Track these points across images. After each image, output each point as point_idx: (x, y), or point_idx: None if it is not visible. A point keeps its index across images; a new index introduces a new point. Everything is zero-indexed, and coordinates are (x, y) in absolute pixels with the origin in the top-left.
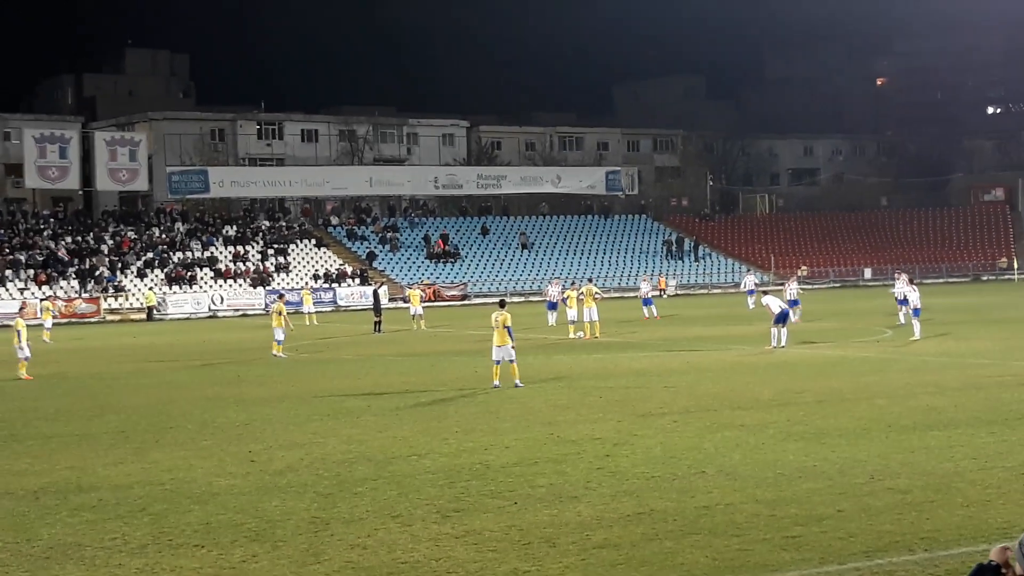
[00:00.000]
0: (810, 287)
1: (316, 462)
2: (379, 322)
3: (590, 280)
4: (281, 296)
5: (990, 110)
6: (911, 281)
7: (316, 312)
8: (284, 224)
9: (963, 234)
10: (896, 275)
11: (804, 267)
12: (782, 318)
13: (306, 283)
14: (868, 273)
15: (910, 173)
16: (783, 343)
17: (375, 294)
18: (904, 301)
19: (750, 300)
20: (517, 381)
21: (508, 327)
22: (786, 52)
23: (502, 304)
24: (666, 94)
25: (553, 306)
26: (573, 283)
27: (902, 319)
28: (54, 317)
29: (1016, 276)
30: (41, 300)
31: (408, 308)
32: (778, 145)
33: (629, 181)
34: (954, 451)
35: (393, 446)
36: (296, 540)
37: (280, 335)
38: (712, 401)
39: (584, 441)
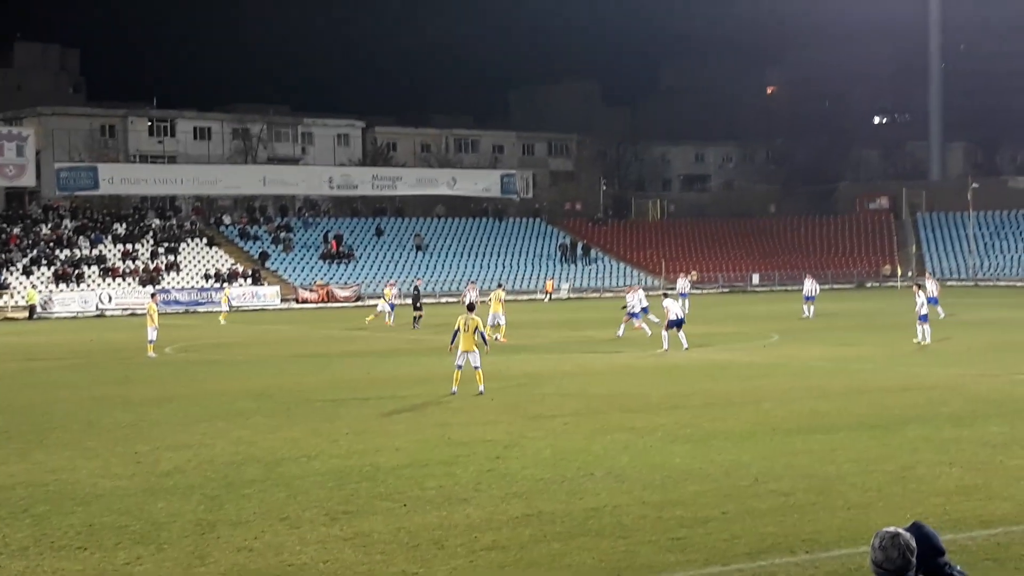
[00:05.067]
0: (699, 291)
1: (204, 464)
2: (418, 316)
3: (500, 285)
4: (153, 296)
5: (876, 120)
6: (921, 287)
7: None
8: (175, 223)
9: (848, 241)
10: (805, 277)
11: (694, 272)
12: (676, 324)
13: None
14: (756, 279)
15: (798, 181)
16: (685, 346)
17: (415, 289)
18: (811, 297)
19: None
20: (481, 388)
21: (481, 332)
22: (680, 61)
23: (471, 308)
24: (562, 99)
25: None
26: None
27: (806, 312)
28: None
29: (899, 283)
30: None
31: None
32: (671, 151)
33: (524, 184)
34: (836, 454)
35: (283, 447)
36: (182, 542)
37: (152, 334)
38: (602, 403)
39: (475, 443)
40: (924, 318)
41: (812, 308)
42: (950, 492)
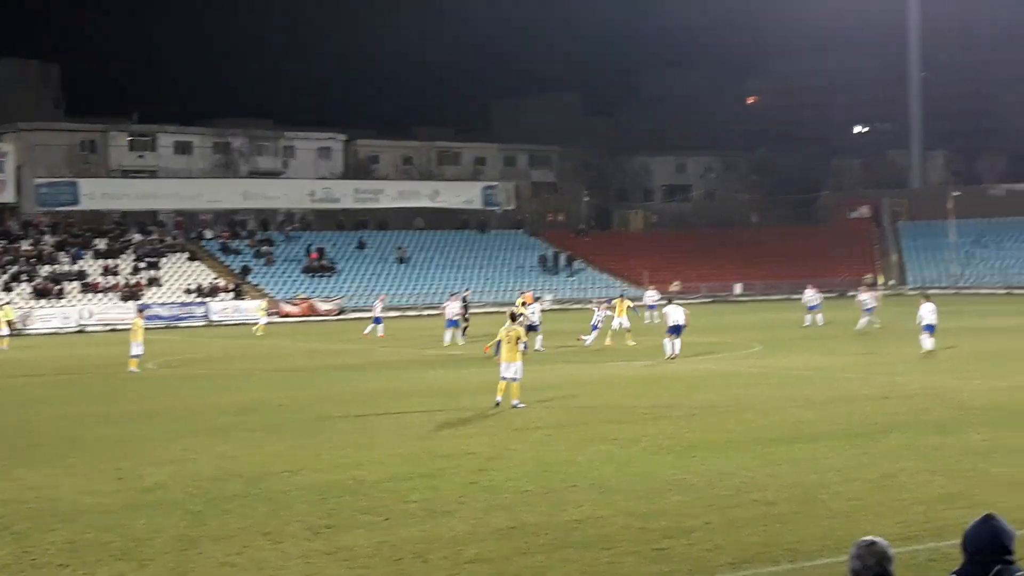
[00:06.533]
0: (682, 301)
1: (186, 479)
2: (465, 327)
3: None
4: (140, 311)
5: (857, 129)
6: (928, 298)
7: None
8: (156, 237)
9: (830, 250)
10: (807, 287)
11: (677, 282)
12: (675, 330)
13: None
14: (739, 288)
15: (780, 190)
16: (676, 352)
17: (463, 300)
18: (814, 307)
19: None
20: (517, 401)
21: (524, 341)
22: (661, 71)
23: (513, 318)
24: (543, 111)
25: (453, 323)
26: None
27: (808, 321)
28: None
29: (881, 291)
30: None
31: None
32: (652, 162)
33: (506, 196)
34: (819, 463)
35: (265, 462)
36: (164, 558)
37: (136, 349)
38: (585, 415)
39: (458, 455)
40: (929, 328)
41: (819, 317)
42: (933, 500)
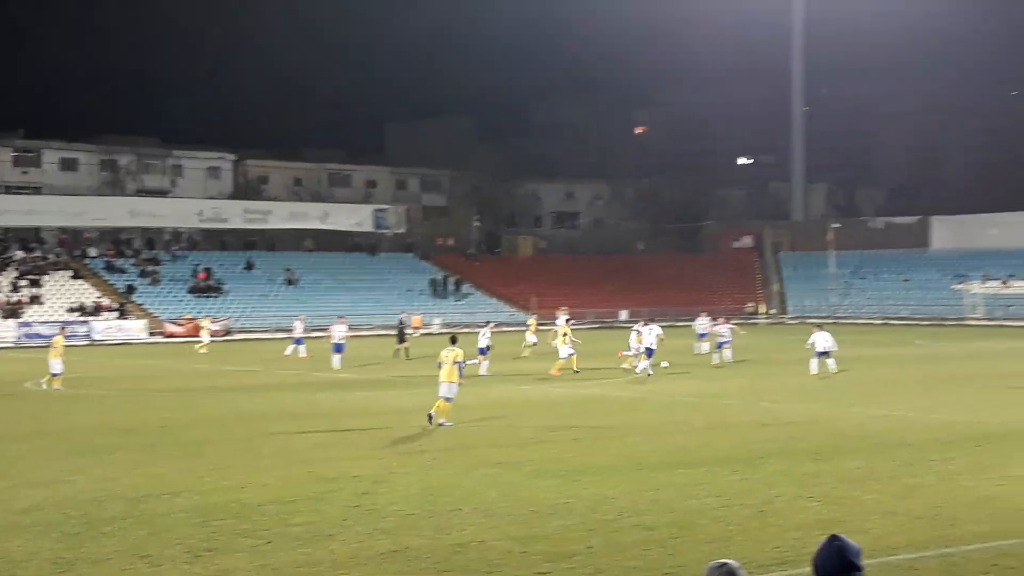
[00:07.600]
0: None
1: (64, 501)
2: (406, 348)
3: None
4: (62, 329)
5: (741, 161)
6: (820, 327)
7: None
8: (39, 255)
9: (714, 279)
10: (699, 314)
11: (564, 308)
12: (647, 352)
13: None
14: (624, 315)
15: (665, 219)
16: (648, 372)
17: (400, 321)
18: (704, 335)
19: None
20: (444, 420)
21: (459, 363)
22: (552, 99)
23: (453, 340)
24: (437, 135)
25: (339, 348)
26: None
27: (698, 349)
28: None
29: (762, 320)
30: None
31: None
32: (542, 188)
33: (397, 219)
34: (699, 489)
35: (146, 484)
36: None
37: (56, 368)
38: (472, 438)
39: (343, 479)
40: (824, 354)
41: (705, 345)
42: (808, 526)
